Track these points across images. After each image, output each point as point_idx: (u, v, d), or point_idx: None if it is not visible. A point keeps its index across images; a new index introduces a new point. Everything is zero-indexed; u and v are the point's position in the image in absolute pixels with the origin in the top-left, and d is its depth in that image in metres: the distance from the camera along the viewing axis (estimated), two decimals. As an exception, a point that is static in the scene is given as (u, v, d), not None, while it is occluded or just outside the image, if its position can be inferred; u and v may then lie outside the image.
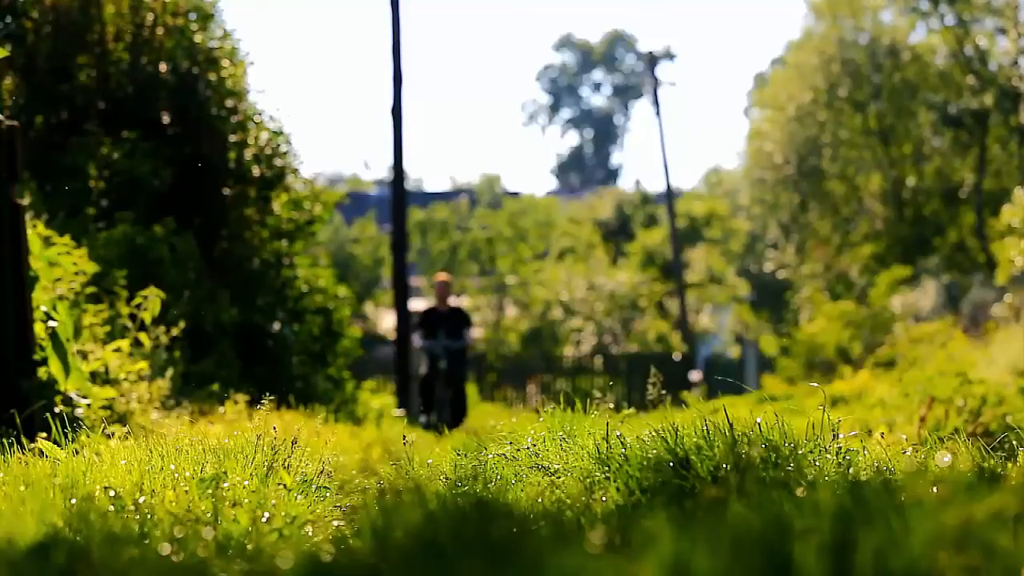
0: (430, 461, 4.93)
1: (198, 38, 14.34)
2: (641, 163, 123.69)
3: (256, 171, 14.60)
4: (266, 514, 3.52)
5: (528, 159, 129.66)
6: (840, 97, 37.57)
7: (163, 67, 14.02)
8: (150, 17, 13.99)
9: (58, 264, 8.34)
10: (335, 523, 3.97)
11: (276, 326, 14.60)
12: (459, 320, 16.31)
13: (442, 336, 15.98)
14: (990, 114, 35.22)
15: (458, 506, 3.16)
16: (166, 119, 14.05)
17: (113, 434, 4.97)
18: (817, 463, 3.81)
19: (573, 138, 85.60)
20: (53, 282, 8.24)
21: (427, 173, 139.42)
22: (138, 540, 3.13)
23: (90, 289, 9.24)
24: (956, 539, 2.20)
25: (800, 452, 3.82)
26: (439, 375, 15.79)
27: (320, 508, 4.13)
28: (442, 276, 17.46)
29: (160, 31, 14.06)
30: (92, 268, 9.16)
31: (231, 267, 14.32)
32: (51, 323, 7.23)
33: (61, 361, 7.18)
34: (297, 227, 15.40)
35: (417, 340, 16.51)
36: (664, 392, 5.48)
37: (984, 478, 3.00)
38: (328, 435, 6.27)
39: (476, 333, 15.53)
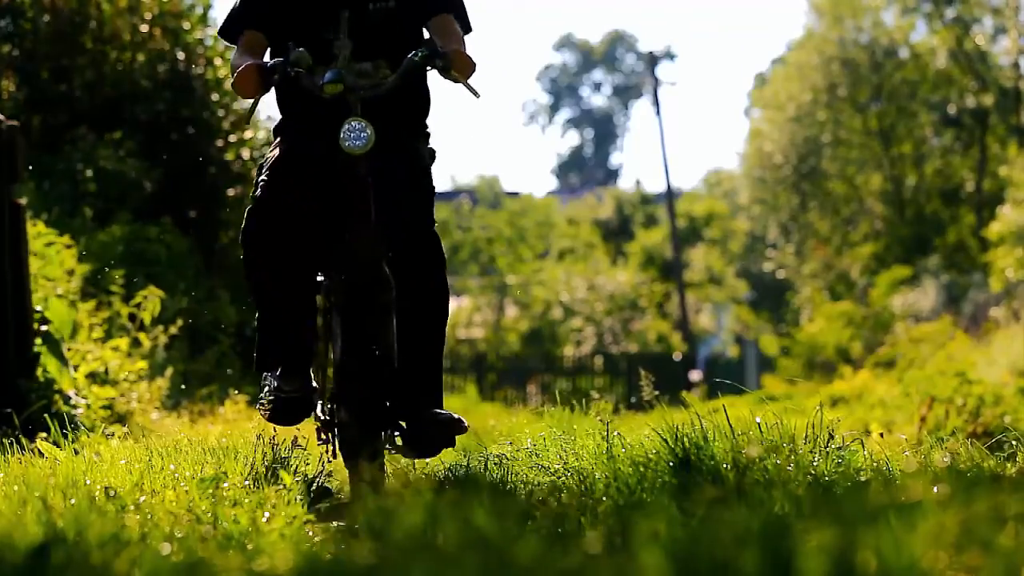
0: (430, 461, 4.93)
1: (193, 37, 14.34)
2: (641, 163, 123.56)
3: (254, 170, 14.61)
4: (266, 514, 3.52)
5: (528, 159, 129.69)
6: (840, 97, 37.57)
7: (159, 67, 14.02)
8: (147, 17, 13.99)
9: (53, 263, 8.34)
10: (335, 523, 3.96)
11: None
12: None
13: (345, 49, 4.15)
14: (990, 114, 35.24)
15: (458, 506, 3.16)
16: (163, 119, 14.05)
17: (113, 434, 4.97)
18: (817, 463, 3.81)
19: (573, 138, 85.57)
20: (50, 281, 8.24)
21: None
22: (138, 540, 3.13)
23: (87, 288, 9.25)
24: (956, 539, 2.20)
25: (800, 452, 3.82)
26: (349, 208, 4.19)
27: (320, 508, 4.13)
28: None
29: (156, 31, 14.06)
30: (85, 268, 9.16)
31: (230, 266, 14.32)
32: (44, 324, 7.23)
33: (56, 361, 7.19)
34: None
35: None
36: (659, 392, 5.50)
37: (984, 478, 3.00)
38: (328, 435, 6.25)
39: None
